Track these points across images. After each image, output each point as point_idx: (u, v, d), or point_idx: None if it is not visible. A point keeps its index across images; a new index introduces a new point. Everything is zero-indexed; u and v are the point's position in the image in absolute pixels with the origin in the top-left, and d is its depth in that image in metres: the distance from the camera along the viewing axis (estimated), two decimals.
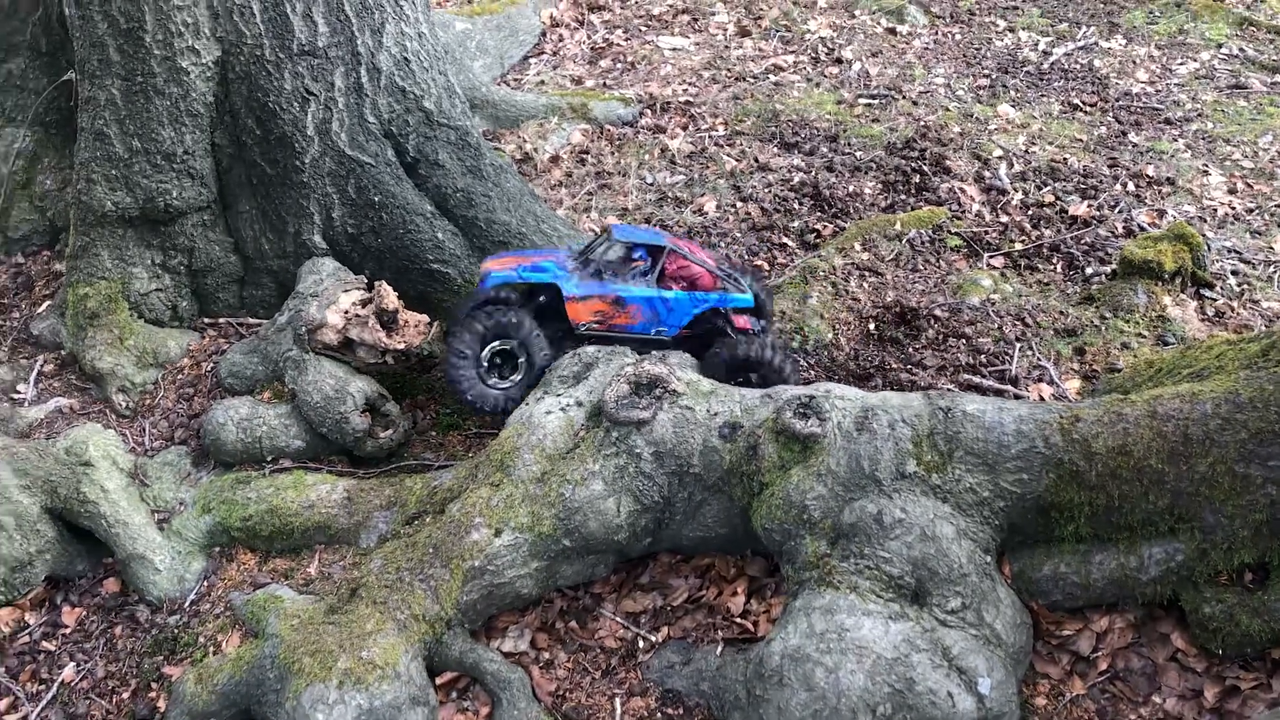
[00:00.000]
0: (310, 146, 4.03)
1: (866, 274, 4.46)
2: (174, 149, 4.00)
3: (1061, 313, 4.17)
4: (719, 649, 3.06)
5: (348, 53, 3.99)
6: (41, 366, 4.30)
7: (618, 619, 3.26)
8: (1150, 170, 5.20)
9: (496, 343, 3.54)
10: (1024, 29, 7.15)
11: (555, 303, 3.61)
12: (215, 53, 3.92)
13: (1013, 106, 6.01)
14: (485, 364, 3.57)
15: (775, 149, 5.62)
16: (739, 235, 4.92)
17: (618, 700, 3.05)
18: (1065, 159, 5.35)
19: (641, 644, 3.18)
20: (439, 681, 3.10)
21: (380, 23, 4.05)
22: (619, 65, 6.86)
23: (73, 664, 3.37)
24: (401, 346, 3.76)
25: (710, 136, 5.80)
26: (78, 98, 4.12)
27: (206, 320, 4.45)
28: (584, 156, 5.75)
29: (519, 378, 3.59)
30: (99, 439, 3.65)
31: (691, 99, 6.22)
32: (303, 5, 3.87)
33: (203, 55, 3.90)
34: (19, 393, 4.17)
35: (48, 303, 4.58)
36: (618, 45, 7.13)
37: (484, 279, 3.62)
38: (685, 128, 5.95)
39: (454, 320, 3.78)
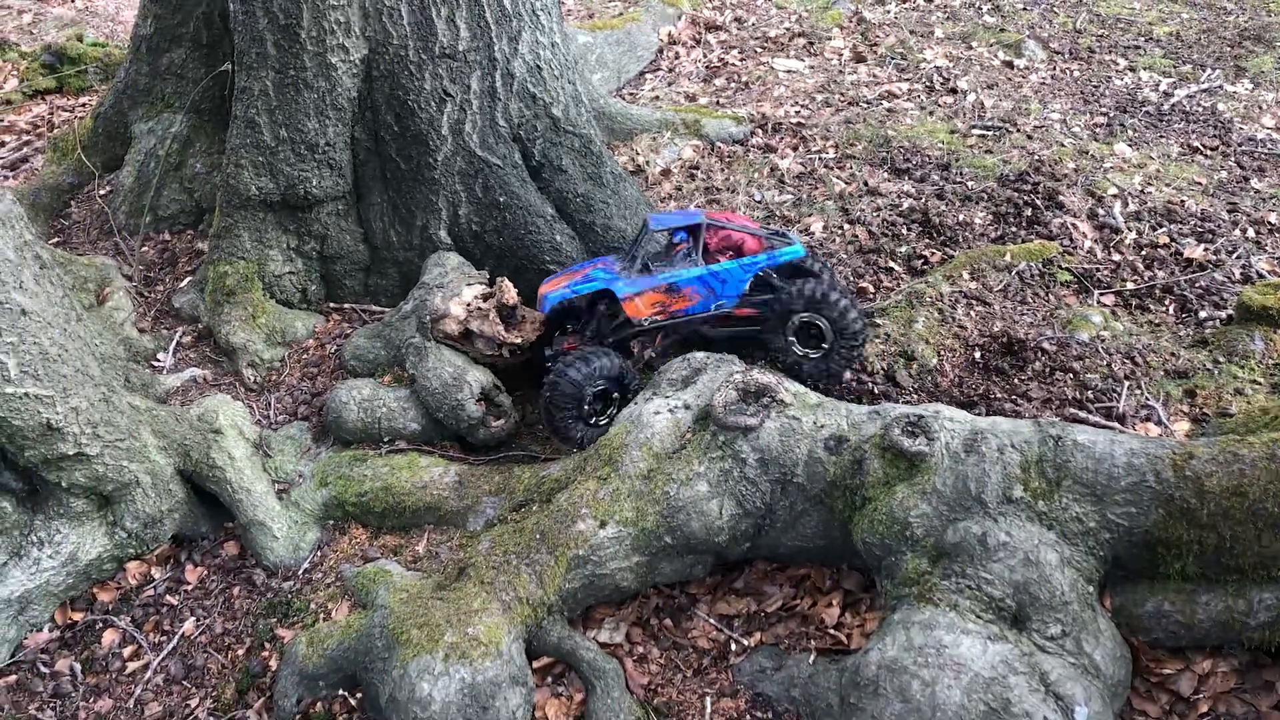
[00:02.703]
0: (444, 145, 4.22)
1: (974, 303, 4.47)
2: (317, 140, 4.22)
3: (1173, 354, 4.12)
4: (811, 657, 3.11)
5: (485, 58, 4.17)
6: (180, 337, 4.56)
7: (711, 620, 3.33)
8: (1273, 218, 5.10)
9: (597, 386, 3.69)
10: (1145, 69, 7.06)
11: (616, 306, 3.73)
12: (363, 51, 4.14)
13: (1130, 146, 5.94)
14: (586, 406, 3.72)
15: (885, 174, 5.65)
16: (845, 257, 4.97)
17: (708, 700, 3.12)
18: (1182, 201, 5.27)
19: (734, 647, 3.25)
20: (535, 665, 3.20)
21: (517, 31, 4.22)
22: (733, 84, 6.96)
23: (193, 619, 3.56)
24: (518, 341, 3.91)
25: (820, 158, 5.86)
26: (233, 87, 4.38)
27: (332, 305, 4.67)
28: (694, 171, 5.85)
29: (615, 411, 3.74)
30: (228, 409, 3.87)
31: (803, 121, 6.29)
32: (447, 10, 4.06)
33: (351, 53, 4.11)
34: (159, 361, 4.43)
35: (189, 278, 4.86)
36: (732, 65, 7.24)
37: (541, 304, 3.78)
38: (796, 148, 6.01)
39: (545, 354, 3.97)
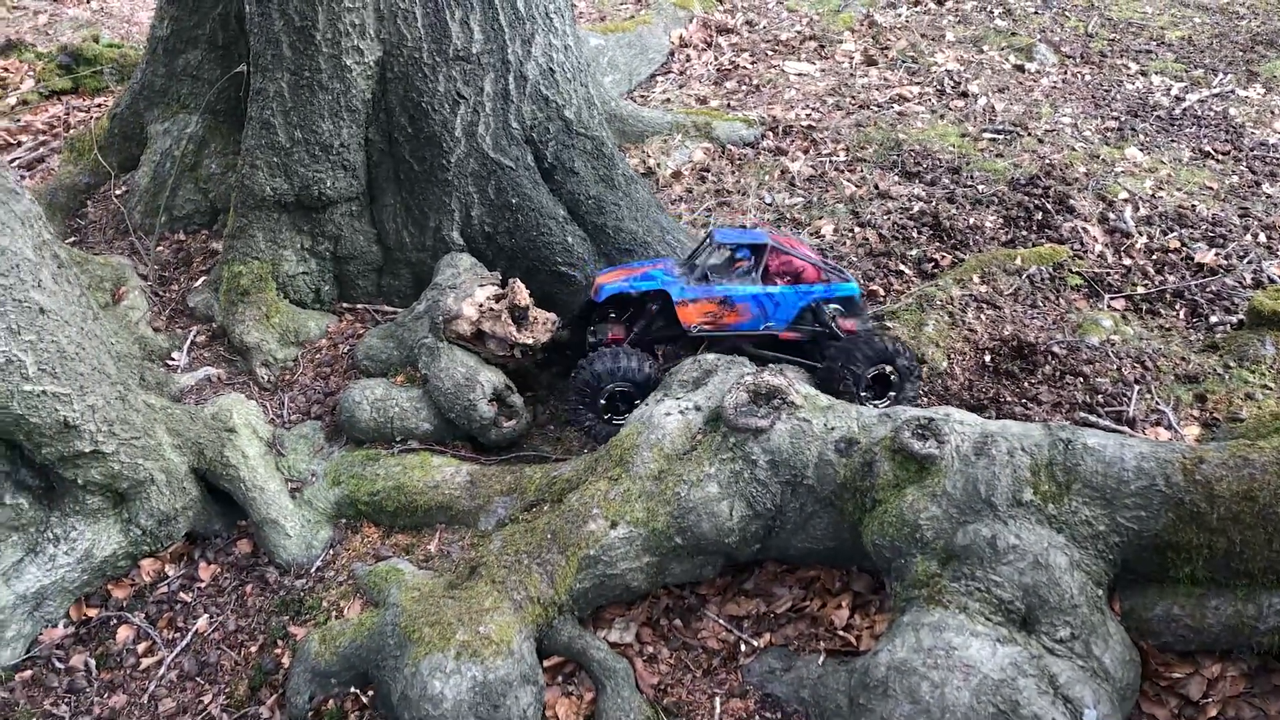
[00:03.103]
0: (457, 147, 4.25)
1: (984, 306, 4.48)
2: (331, 141, 4.25)
3: (1183, 359, 4.13)
4: (821, 658, 3.12)
5: (499, 60, 4.20)
6: (195, 337, 4.60)
7: (721, 621, 3.35)
8: None
9: (612, 385, 3.75)
10: (1157, 73, 7.06)
11: (667, 308, 3.77)
12: (377, 53, 4.17)
13: (1141, 150, 5.95)
14: (603, 402, 3.78)
15: (896, 177, 5.67)
16: (856, 260, 4.98)
17: (717, 700, 3.13)
18: (1194, 206, 5.28)
19: (743, 648, 3.26)
20: (546, 664, 3.21)
21: (531, 34, 4.24)
22: (744, 87, 6.98)
23: (206, 616, 3.58)
24: (530, 341, 3.93)
25: (831, 161, 5.87)
26: (248, 89, 4.42)
27: (345, 305, 4.70)
28: (705, 174, 5.88)
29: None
30: (242, 408, 3.90)
31: (814, 124, 6.31)
32: (461, 12, 4.08)
33: (366, 55, 4.14)
34: (174, 360, 4.47)
35: (204, 278, 4.90)
36: (744, 68, 7.26)
37: (597, 292, 3.81)
38: (806, 151, 6.03)
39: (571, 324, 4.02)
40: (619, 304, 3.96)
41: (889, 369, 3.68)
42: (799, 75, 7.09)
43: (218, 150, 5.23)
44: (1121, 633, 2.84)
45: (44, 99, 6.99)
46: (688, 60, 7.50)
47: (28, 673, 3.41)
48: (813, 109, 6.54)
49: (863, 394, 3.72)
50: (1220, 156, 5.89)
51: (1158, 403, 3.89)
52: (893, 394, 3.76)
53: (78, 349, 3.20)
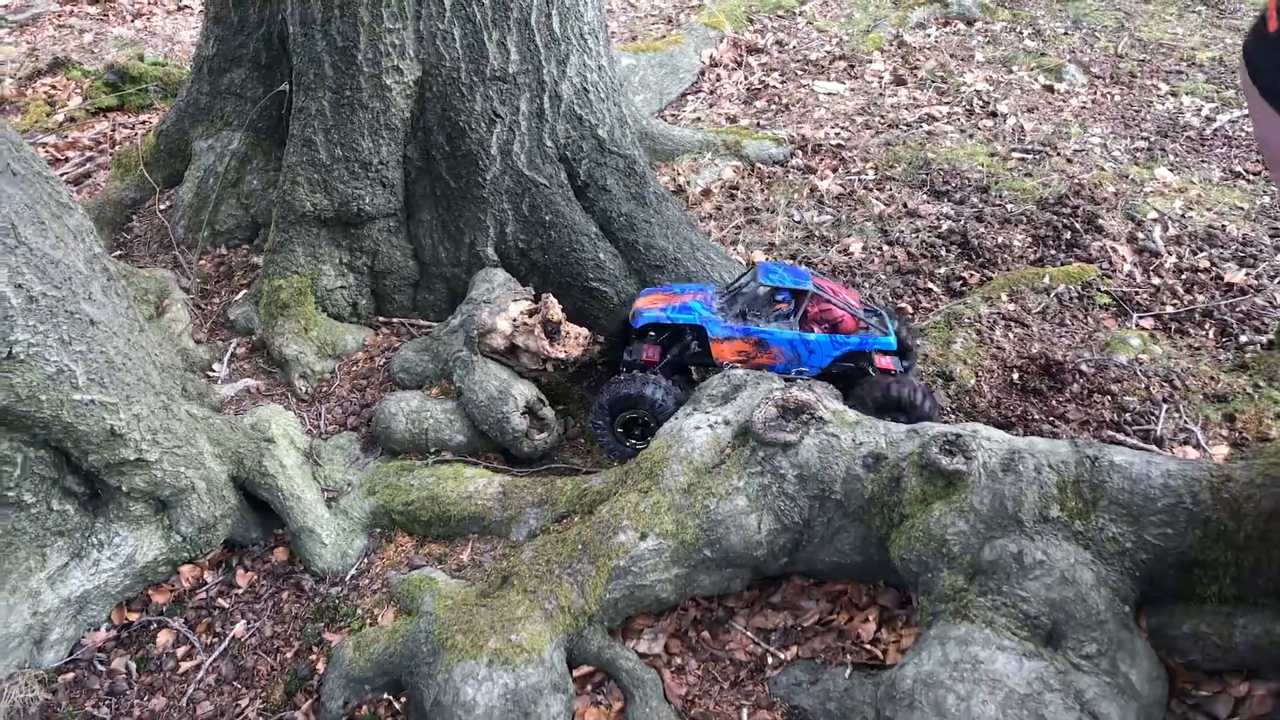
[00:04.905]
0: (492, 165, 4.33)
1: (1012, 324, 4.50)
2: (371, 159, 4.35)
3: (1212, 378, 4.13)
4: (847, 671, 3.15)
5: (534, 80, 4.29)
6: (235, 349, 4.69)
7: (748, 633, 3.38)
8: None
9: (625, 413, 3.81)
10: (1187, 94, 7.06)
11: (702, 339, 3.83)
12: (416, 73, 4.27)
13: (1171, 170, 5.95)
14: (620, 429, 3.85)
15: (925, 196, 5.70)
16: (884, 277, 5.02)
17: (745, 711, 3.16)
18: (1224, 226, 5.28)
19: (770, 660, 3.29)
20: (576, 674, 3.25)
21: (566, 54, 4.33)
22: (773, 106, 7.05)
23: (243, 622, 3.64)
24: (562, 356, 4.00)
25: (860, 180, 5.92)
26: (290, 107, 4.53)
27: (381, 319, 4.79)
28: (734, 192, 5.94)
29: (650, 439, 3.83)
30: (280, 419, 3.97)
31: (843, 142, 6.36)
32: (498, 34, 4.18)
33: (405, 74, 4.24)
34: (215, 371, 4.57)
35: (244, 291, 5.00)
36: (773, 87, 7.33)
37: (635, 317, 3.88)
38: (835, 170, 6.08)
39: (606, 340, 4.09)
40: (658, 325, 4.02)
41: (900, 418, 3.65)
42: (828, 94, 7.14)
43: (259, 167, 5.35)
44: (1148, 650, 2.85)
45: (90, 116, 7.17)
46: (718, 79, 7.58)
47: (70, 675, 3.48)
48: (842, 128, 6.59)
49: None
50: (1251, 177, 5.88)
51: (1186, 422, 3.90)
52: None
53: (125, 359, 3.28)
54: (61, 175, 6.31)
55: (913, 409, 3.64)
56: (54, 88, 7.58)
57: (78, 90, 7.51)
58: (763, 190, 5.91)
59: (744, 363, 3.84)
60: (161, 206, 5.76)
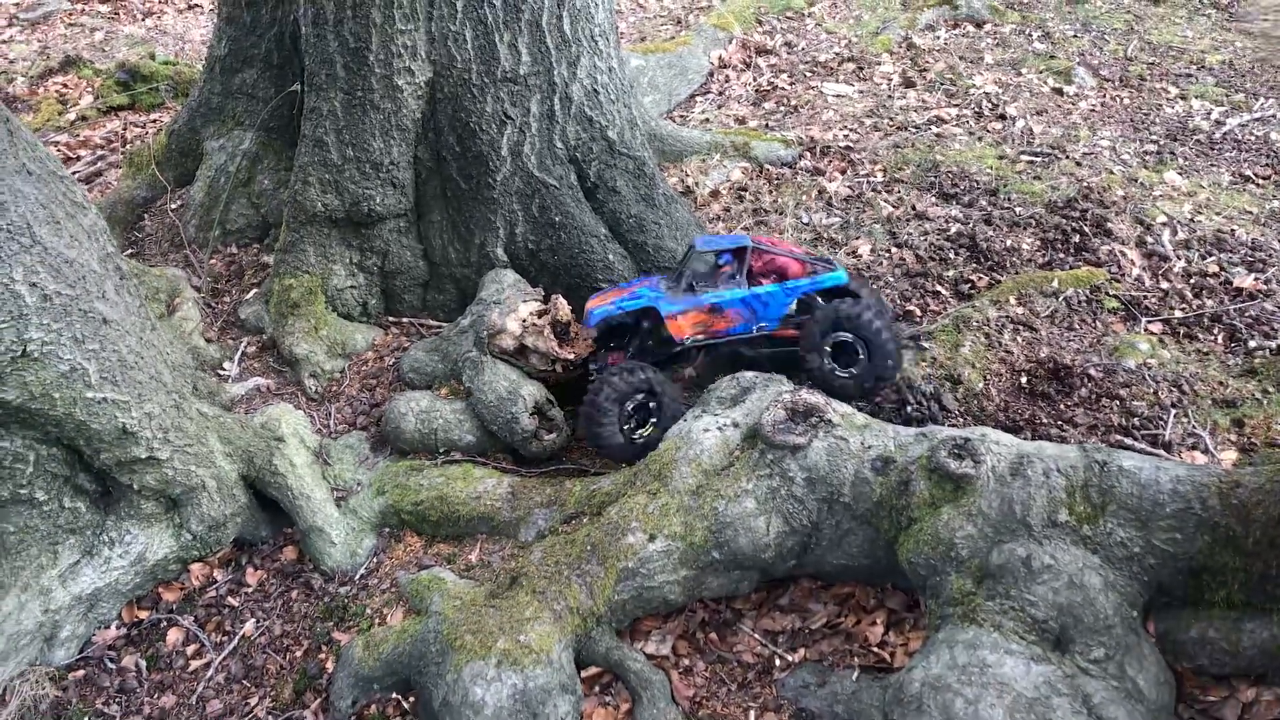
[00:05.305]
0: (503, 166, 4.35)
1: (1020, 328, 4.50)
2: (382, 159, 4.37)
3: (1221, 383, 4.13)
4: (855, 674, 3.16)
5: (545, 82, 4.30)
6: (245, 348, 4.72)
7: (756, 636, 3.39)
8: None
9: (636, 398, 3.80)
10: (1197, 97, 7.05)
11: (660, 324, 3.84)
12: (427, 74, 4.28)
13: (1180, 174, 5.94)
14: (626, 417, 3.83)
15: (933, 198, 5.70)
16: (892, 280, 5.02)
17: (752, 713, 3.17)
18: (1233, 230, 5.27)
19: (778, 662, 3.30)
20: (584, 675, 3.26)
21: (576, 56, 4.34)
22: (782, 108, 7.05)
23: (253, 620, 3.66)
24: (571, 356, 4.01)
25: (868, 182, 5.92)
26: (302, 107, 4.55)
27: (391, 318, 4.81)
28: (742, 193, 5.94)
29: (649, 432, 3.84)
30: (290, 418, 3.99)
31: (852, 144, 6.35)
32: (509, 35, 4.19)
33: (416, 75, 4.26)
34: (225, 370, 4.59)
35: (255, 290, 5.02)
36: (782, 89, 7.33)
37: (587, 318, 3.90)
38: (844, 172, 6.08)
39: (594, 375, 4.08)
40: (618, 332, 4.04)
41: (854, 339, 3.67)
42: (837, 96, 7.15)
43: (270, 167, 5.38)
44: (1156, 654, 2.86)
45: (102, 114, 7.20)
46: (726, 81, 7.58)
47: (81, 672, 3.50)
48: (850, 130, 6.59)
49: (825, 358, 3.73)
50: (1261, 181, 5.87)
51: (1195, 427, 3.89)
52: (858, 363, 3.74)
53: (137, 358, 3.30)
54: (73, 174, 6.34)
55: (863, 328, 3.66)
56: (65, 86, 7.61)
57: (89, 89, 7.55)
58: (771, 192, 5.91)
59: (703, 334, 3.85)
60: (173, 206, 5.79)
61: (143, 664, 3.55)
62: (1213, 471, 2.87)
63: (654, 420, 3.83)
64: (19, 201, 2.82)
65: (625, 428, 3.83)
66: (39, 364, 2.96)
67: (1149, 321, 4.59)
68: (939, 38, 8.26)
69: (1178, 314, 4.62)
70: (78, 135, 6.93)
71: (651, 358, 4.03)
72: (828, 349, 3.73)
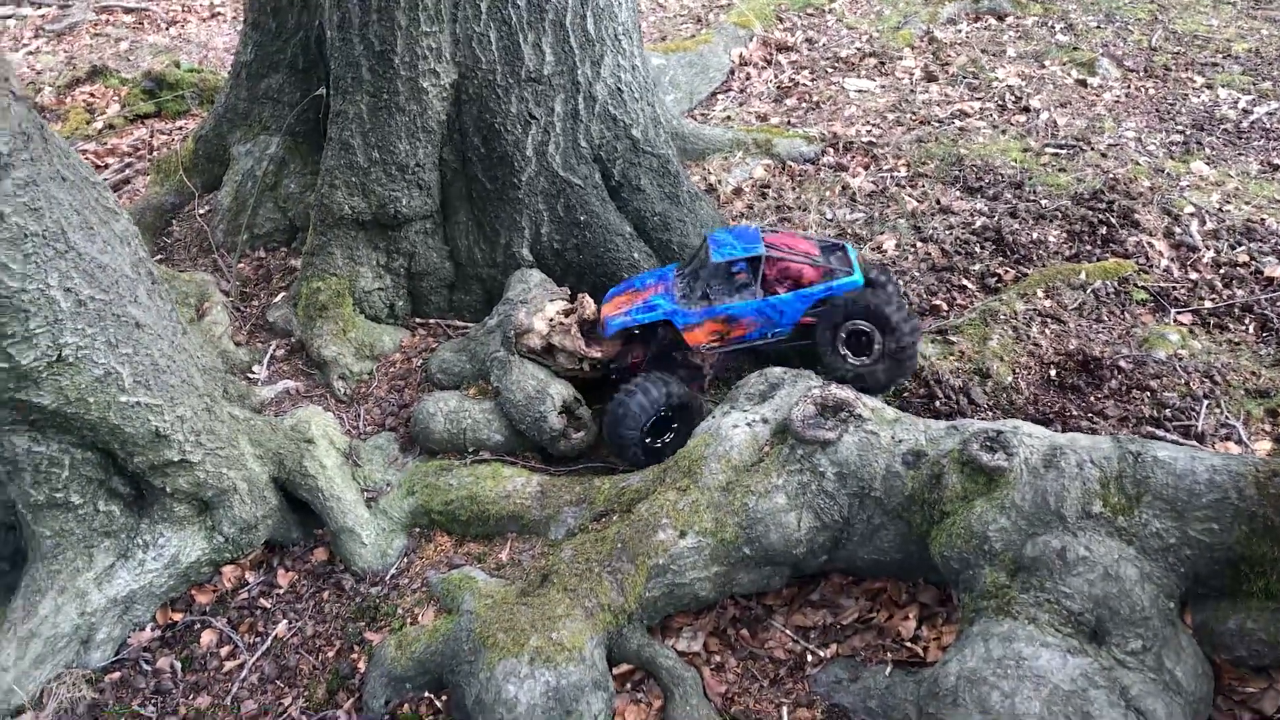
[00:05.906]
0: (528, 166, 4.36)
1: (1049, 321, 4.47)
2: (408, 161, 4.39)
3: (1253, 373, 4.08)
4: (888, 669, 3.15)
5: (569, 81, 4.31)
6: (274, 351, 4.75)
7: (788, 631, 3.38)
8: None
9: (660, 412, 3.84)
10: (1223, 86, 6.97)
11: (676, 331, 3.91)
12: (453, 76, 4.30)
13: (1207, 164, 5.88)
14: (649, 428, 3.86)
15: (958, 192, 5.67)
16: (918, 274, 5.00)
17: (784, 709, 3.17)
18: (1263, 219, 5.21)
19: (810, 658, 3.29)
20: (616, 672, 3.27)
21: (600, 55, 4.35)
22: (804, 104, 7.03)
23: (285, 621, 3.69)
24: (598, 355, 4.02)
25: (892, 177, 5.89)
26: (327, 111, 4.58)
27: (418, 320, 4.83)
28: (765, 190, 5.93)
29: (669, 439, 3.89)
30: (320, 420, 4.01)
31: (874, 139, 6.33)
32: (534, 36, 4.21)
33: (442, 77, 4.28)
34: (254, 373, 4.63)
35: (283, 294, 5.06)
36: (803, 85, 7.32)
37: (604, 327, 3.92)
38: (867, 167, 6.06)
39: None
40: (638, 332, 4.08)
41: (870, 329, 3.68)
42: (859, 92, 7.12)
43: (297, 170, 5.41)
44: (1194, 646, 2.83)
45: (129, 123, 7.28)
46: (748, 78, 7.57)
47: (117, 674, 3.54)
48: (873, 125, 6.57)
49: (841, 348, 3.74)
50: None
51: (1227, 417, 3.85)
52: (874, 353, 3.75)
53: (169, 362, 3.33)
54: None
55: (880, 319, 3.67)
56: (93, 95, 7.70)
57: (116, 98, 7.63)
58: (794, 188, 5.90)
59: (719, 342, 3.88)
60: (201, 211, 5.84)
61: (178, 665, 3.58)
62: (1249, 461, 2.84)
63: (675, 426, 3.86)
64: (54, 207, 2.85)
65: (647, 440, 3.88)
66: (74, 368, 2.99)
67: (1178, 312, 4.54)
68: (961, 31, 8.22)
69: (1207, 304, 4.57)
70: (105, 143, 7.01)
71: (669, 359, 4.06)
72: (843, 339, 3.74)
